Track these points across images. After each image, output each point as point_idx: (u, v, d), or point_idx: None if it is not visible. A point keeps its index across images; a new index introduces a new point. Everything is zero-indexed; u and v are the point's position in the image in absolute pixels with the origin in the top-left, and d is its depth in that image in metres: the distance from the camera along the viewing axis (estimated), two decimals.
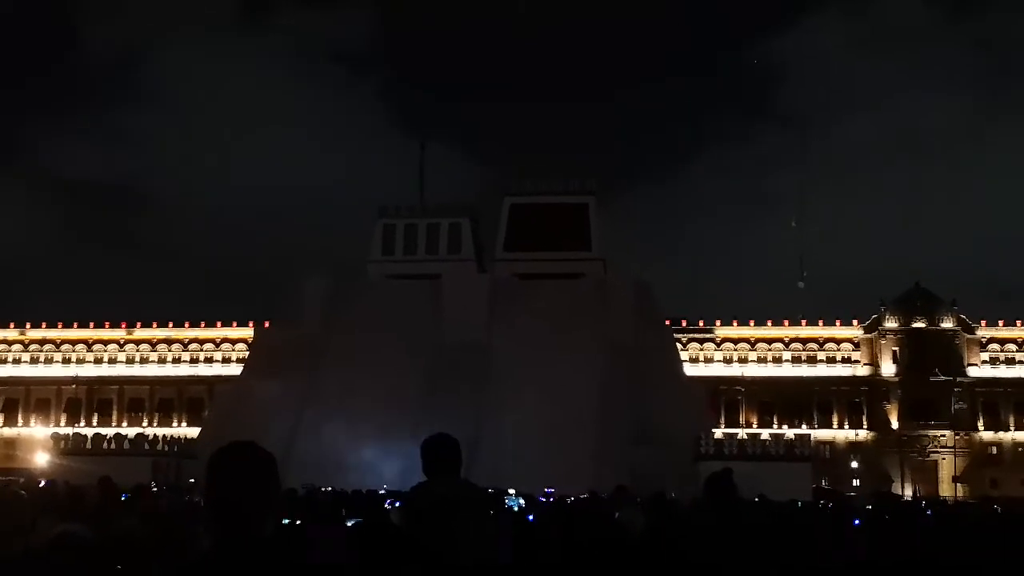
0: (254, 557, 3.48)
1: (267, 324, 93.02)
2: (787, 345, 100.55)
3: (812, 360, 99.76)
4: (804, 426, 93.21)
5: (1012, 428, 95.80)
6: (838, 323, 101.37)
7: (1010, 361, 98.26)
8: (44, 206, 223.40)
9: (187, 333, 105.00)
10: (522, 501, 27.47)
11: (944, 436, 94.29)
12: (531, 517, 16.33)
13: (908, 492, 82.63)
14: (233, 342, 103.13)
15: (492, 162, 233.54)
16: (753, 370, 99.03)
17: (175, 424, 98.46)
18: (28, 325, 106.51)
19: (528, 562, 7.88)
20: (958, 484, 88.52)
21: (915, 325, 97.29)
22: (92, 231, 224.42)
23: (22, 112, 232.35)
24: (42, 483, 30.50)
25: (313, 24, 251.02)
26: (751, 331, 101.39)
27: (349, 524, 10.39)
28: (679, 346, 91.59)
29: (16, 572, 5.60)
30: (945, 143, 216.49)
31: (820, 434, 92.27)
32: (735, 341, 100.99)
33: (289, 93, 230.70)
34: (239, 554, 3.46)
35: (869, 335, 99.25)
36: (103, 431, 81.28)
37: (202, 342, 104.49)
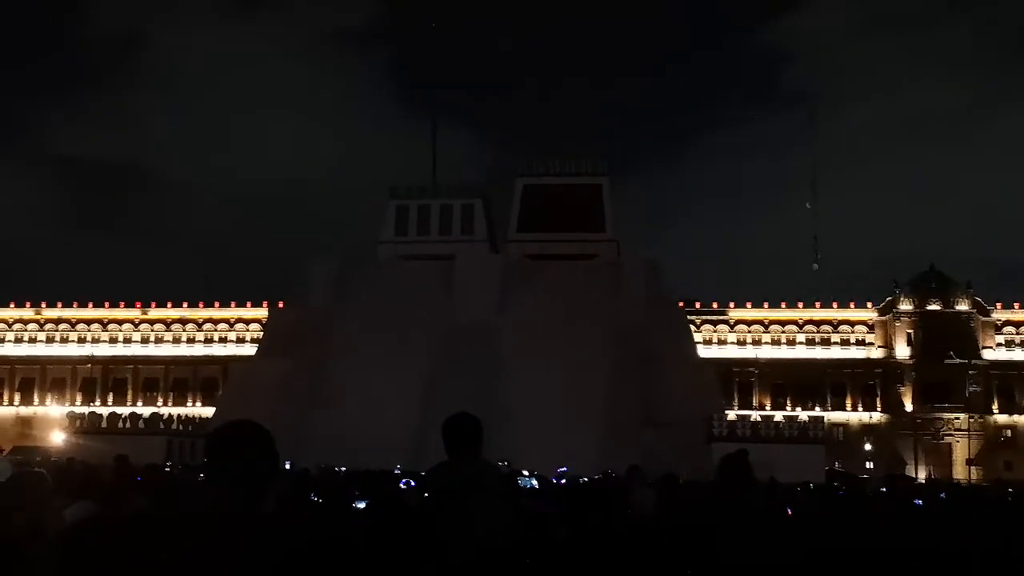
0: (253, 533, 3.48)
1: (281, 304, 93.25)
2: (801, 327, 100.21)
3: (826, 342, 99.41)
4: (817, 408, 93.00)
5: None
6: (852, 305, 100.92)
7: None
8: (55, 187, 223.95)
9: (201, 313, 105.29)
10: (535, 482, 27.53)
11: (958, 419, 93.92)
12: (545, 497, 16.35)
13: (922, 475, 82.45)
14: (247, 322, 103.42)
15: (504, 143, 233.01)
16: (767, 352, 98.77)
17: (189, 404, 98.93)
18: (44, 305, 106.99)
19: (542, 542, 7.87)
20: (972, 467, 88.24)
21: (930, 308, 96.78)
22: (104, 212, 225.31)
23: (30, 94, 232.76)
24: (62, 460, 30.71)
25: (318, 1, 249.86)
26: (765, 313, 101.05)
27: (360, 505, 10.39)
28: (692, 328, 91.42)
29: (31, 551, 5.61)
30: (959, 125, 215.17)
31: (833, 416, 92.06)
32: (749, 323, 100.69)
33: (296, 72, 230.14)
34: (238, 530, 3.46)
35: (883, 317, 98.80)
36: (118, 410, 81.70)
37: (216, 322, 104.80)
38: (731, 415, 76.11)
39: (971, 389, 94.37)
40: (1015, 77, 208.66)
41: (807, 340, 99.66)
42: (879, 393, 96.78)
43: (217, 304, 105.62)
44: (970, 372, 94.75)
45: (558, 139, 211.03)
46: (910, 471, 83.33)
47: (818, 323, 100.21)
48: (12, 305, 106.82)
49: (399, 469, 36.75)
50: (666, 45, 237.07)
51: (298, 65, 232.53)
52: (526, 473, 31.89)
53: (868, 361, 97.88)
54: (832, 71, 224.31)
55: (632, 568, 7.30)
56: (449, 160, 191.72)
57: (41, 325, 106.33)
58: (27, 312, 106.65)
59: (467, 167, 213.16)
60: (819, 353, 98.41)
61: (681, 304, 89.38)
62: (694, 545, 7.05)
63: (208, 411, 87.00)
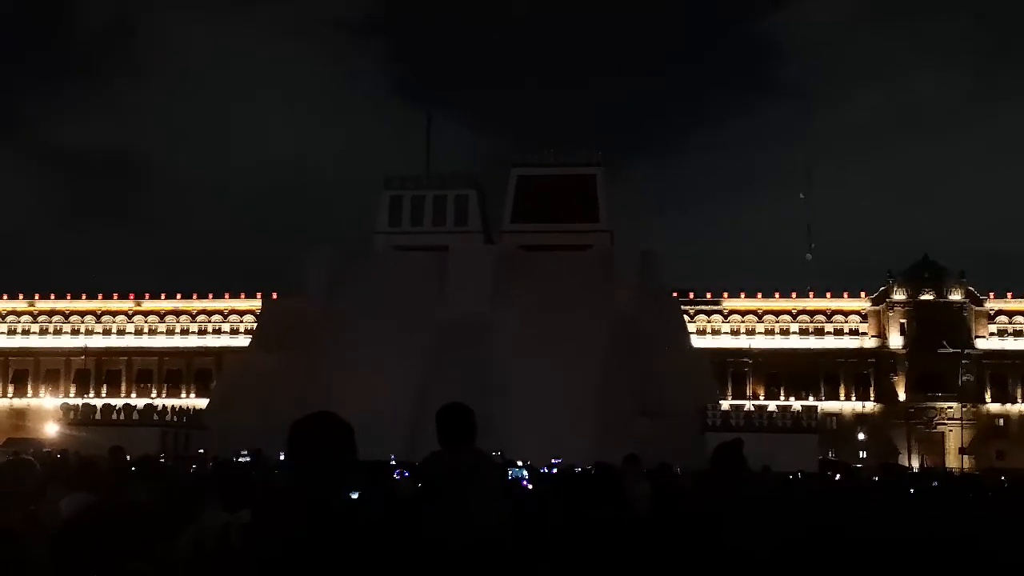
0: (330, 524, 3.51)
1: (275, 296, 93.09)
2: (794, 317, 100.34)
3: (819, 332, 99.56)
4: (811, 398, 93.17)
5: (1019, 400, 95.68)
6: (846, 295, 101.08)
7: (1018, 334, 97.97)
8: (48, 178, 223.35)
9: (195, 305, 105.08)
10: (526, 473, 27.56)
11: (951, 408, 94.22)
12: (537, 488, 16.37)
13: (915, 464, 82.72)
14: (241, 314, 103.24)
15: (498, 133, 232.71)
16: (760, 342, 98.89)
17: (183, 395, 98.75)
18: (37, 296, 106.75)
19: (533, 533, 7.88)
20: (965, 456, 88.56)
21: (923, 297, 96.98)
22: (97, 203, 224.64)
23: (23, 84, 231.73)
24: (57, 455, 30.67)
25: None
26: (759, 303, 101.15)
27: (354, 496, 10.40)
28: (686, 318, 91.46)
29: (26, 540, 5.61)
30: (954, 117, 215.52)
31: (827, 406, 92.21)
32: (743, 313, 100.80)
33: (291, 62, 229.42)
34: (316, 521, 3.50)
35: (877, 307, 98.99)
36: (112, 402, 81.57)
37: (210, 313, 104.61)
38: (725, 405, 76.19)
39: (964, 378, 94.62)
40: (1011, 69, 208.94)
41: (801, 330, 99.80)
42: (872, 382, 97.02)
43: (211, 295, 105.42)
44: (963, 361, 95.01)
45: (553, 129, 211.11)
46: (903, 460, 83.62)
47: (812, 313, 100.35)
48: (5, 297, 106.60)
49: (393, 459, 36.75)
50: (663, 37, 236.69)
51: (294, 56, 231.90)
52: (519, 464, 31.95)
53: (861, 351, 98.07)
54: (828, 64, 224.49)
55: (628, 557, 7.32)
56: (444, 151, 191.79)
57: (34, 317, 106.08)
58: (20, 304, 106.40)
59: (462, 157, 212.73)
60: (813, 343, 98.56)
61: (675, 294, 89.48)
62: (691, 534, 7.07)
63: (202, 403, 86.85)
